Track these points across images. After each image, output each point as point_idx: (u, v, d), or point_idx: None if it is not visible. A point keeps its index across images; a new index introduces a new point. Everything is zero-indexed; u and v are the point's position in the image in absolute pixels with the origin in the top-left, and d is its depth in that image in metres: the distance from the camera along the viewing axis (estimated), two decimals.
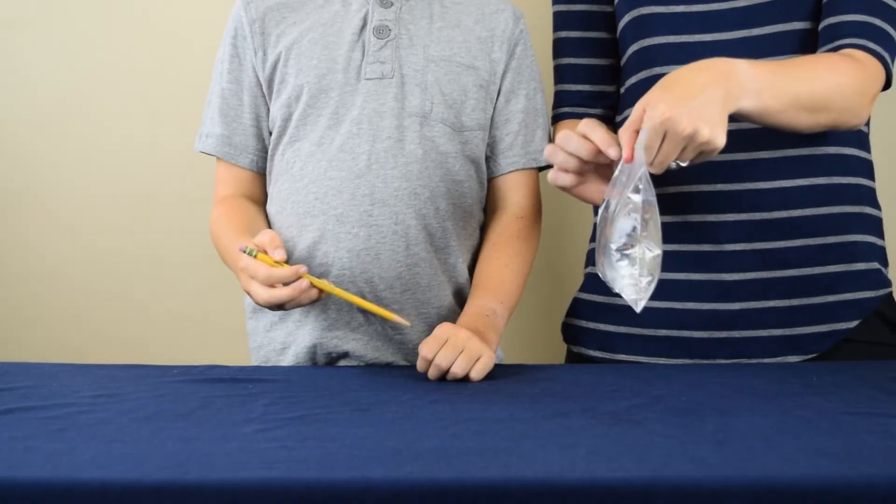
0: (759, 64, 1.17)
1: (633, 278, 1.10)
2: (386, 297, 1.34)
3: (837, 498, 0.76)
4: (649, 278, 1.10)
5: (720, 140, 1.09)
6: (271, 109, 1.39)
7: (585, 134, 1.14)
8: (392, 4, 1.38)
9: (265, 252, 1.23)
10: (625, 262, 1.10)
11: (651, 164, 1.09)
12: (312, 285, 1.21)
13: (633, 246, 1.09)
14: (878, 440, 0.87)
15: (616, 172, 1.11)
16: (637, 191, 1.09)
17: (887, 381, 1.12)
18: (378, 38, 1.35)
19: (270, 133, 1.40)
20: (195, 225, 1.81)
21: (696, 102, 1.08)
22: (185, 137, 1.81)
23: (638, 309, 1.11)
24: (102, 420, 0.96)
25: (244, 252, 1.22)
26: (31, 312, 1.86)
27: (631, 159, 1.09)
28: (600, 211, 1.13)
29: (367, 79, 1.35)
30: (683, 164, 1.11)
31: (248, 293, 1.25)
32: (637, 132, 1.09)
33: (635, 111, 1.10)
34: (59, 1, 1.82)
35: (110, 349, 1.82)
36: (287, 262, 1.25)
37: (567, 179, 1.17)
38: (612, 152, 1.11)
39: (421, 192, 1.35)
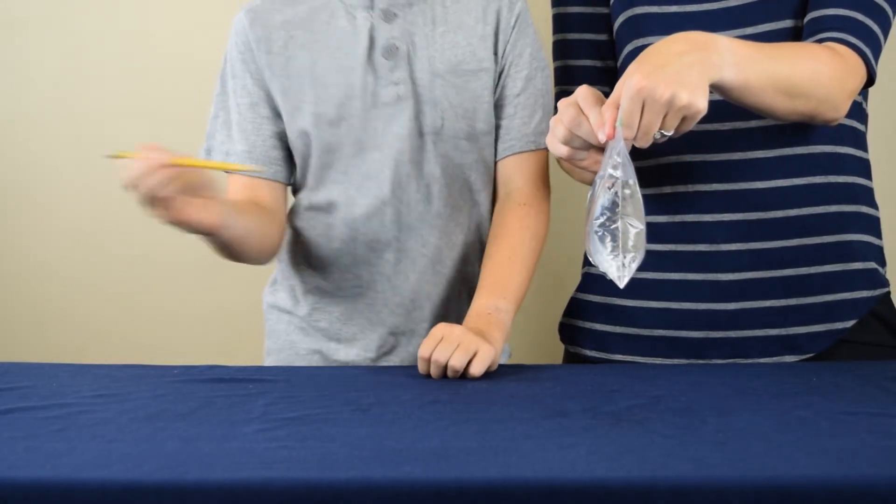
0: (739, 40, 1.16)
1: (615, 255, 1.09)
2: (415, 317, 1.38)
3: (837, 498, 0.76)
4: (633, 254, 1.09)
5: (701, 103, 1.08)
6: (289, 131, 1.37)
7: (584, 111, 1.12)
8: (395, 17, 1.35)
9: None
10: (608, 239, 1.09)
11: (635, 137, 1.08)
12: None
13: (614, 222, 1.09)
14: (878, 440, 0.87)
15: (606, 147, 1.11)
16: (616, 166, 1.08)
17: (887, 381, 1.12)
18: (387, 60, 1.34)
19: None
20: None
21: (672, 68, 1.07)
22: (185, 137, 1.80)
23: (621, 285, 1.09)
24: (102, 420, 0.96)
25: (110, 156, 1.15)
26: (31, 312, 1.86)
27: (612, 136, 1.08)
28: (589, 192, 1.12)
29: (384, 103, 1.34)
30: (668, 134, 1.09)
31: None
32: (618, 108, 1.08)
33: (617, 87, 1.09)
34: (59, 1, 1.82)
35: (110, 349, 1.82)
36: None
37: (564, 151, 1.16)
38: (601, 135, 1.10)
39: (443, 210, 1.36)
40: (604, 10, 1.42)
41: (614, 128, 1.08)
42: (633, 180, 1.08)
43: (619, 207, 1.08)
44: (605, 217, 1.09)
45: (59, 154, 1.84)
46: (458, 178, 1.37)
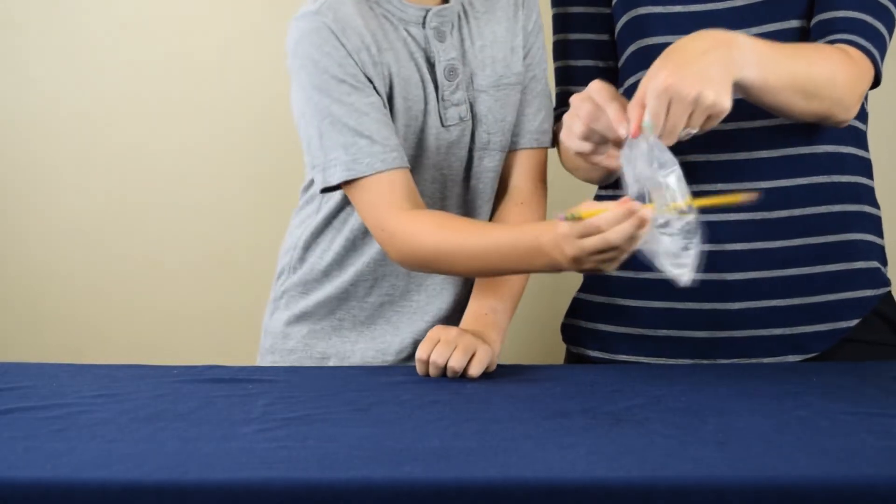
0: (759, 39, 1.17)
1: (680, 253, 1.07)
2: (443, 321, 1.35)
3: (837, 498, 0.76)
4: (696, 249, 1.06)
5: (726, 102, 1.08)
6: None
7: (601, 107, 1.12)
8: (446, 36, 1.32)
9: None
10: (667, 239, 1.07)
11: (660, 135, 1.08)
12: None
13: (668, 223, 1.07)
14: (878, 440, 0.87)
15: (626, 148, 1.10)
16: (663, 166, 1.07)
17: (887, 381, 1.12)
18: (449, 81, 1.32)
19: None
20: (196, 225, 1.81)
21: (698, 66, 1.08)
22: (185, 137, 1.81)
23: (687, 283, 1.06)
24: (102, 420, 0.96)
25: (566, 219, 1.09)
26: (31, 312, 1.86)
27: (637, 135, 1.08)
28: (627, 188, 1.10)
29: (449, 126, 1.33)
30: (693, 132, 1.09)
31: (599, 269, 1.12)
32: (644, 107, 1.08)
33: (642, 85, 1.10)
34: (59, 1, 1.82)
35: (110, 349, 1.82)
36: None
37: (587, 147, 1.15)
38: (622, 131, 1.10)
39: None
40: (605, 10, 1.42)
41: (640, 128, 1.08)
42: (677, 169, 1.07)
43: (676, 203, 1.06)
44: (664, 219, 1.07)
45: (60, 154, 1.84)
46: (493, 189, 1.38)
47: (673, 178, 1.07)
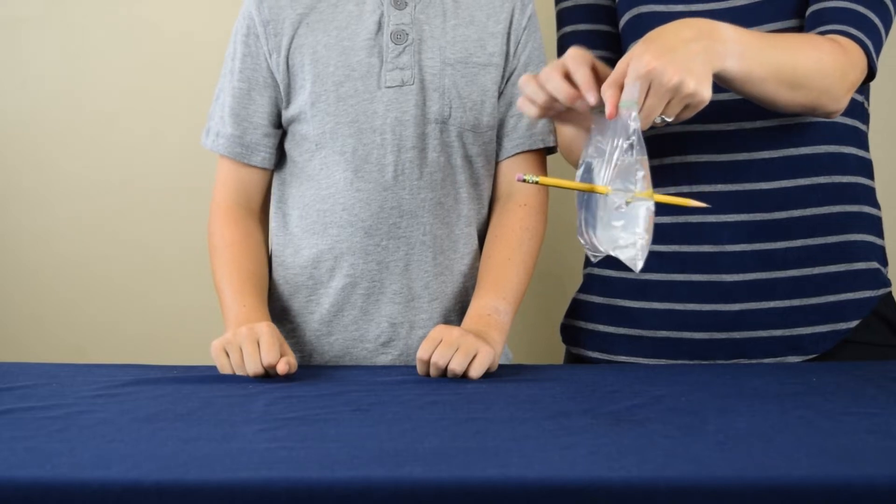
0: (743, 29, 1.16)
1: (630, 238, 1.07)
2: (415, 307, 1.36)
3: (837, 498, 0.76)
4: (646, 236, 1.07)
5: (706, 93, 1.08)
6: (289, 111, 1.38)
7: (571, 72, 1.12)
8: (406, 5, 1.36)
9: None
10: (620, 223, 1.07)
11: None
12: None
13: (626, 204, 1.07)
14: (878, 440, 0.87)
15: (594, 130, 1.09)
16: (630, 149, 1.06)
17: (888, 382, 1.12)
18: (396, 44, 1.34)
19: (284, 130, 1.40)
20: (196, 224, 1.80)
21: (681, 54, 1.07)
22: (185, 136, 1.81)
23: (637, 269, 1.08)
24: (102, 420, 0.96)
25: (525, 181, 1.12)
26: (32, 312, 1.86)
27: (614, 115, 1.07)
28: (579, 173, 1.11)
29: (388, 87, 1.34)
30: (669, 120, 1.09)
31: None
32: (621, 88, 1.08)
33: (619, 65, 1.09)
34: (59, 1, 1.82)
35: (111, 348, 1.82)
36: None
37: (534, 111, 1.16)
38: (590, 97, 1.10)
39: (445, 200, 1.36)
40: (609, 3, 1.42)
41: (617, 108, 1.07)
42: (644, 155, 1.06)
43: (636, 190, 1.06)
44: (621, 202, 1.07)
45: (60, 153, 1.84)
46: (462, 170, 1.37)
47: (642, 164, 1.07)
